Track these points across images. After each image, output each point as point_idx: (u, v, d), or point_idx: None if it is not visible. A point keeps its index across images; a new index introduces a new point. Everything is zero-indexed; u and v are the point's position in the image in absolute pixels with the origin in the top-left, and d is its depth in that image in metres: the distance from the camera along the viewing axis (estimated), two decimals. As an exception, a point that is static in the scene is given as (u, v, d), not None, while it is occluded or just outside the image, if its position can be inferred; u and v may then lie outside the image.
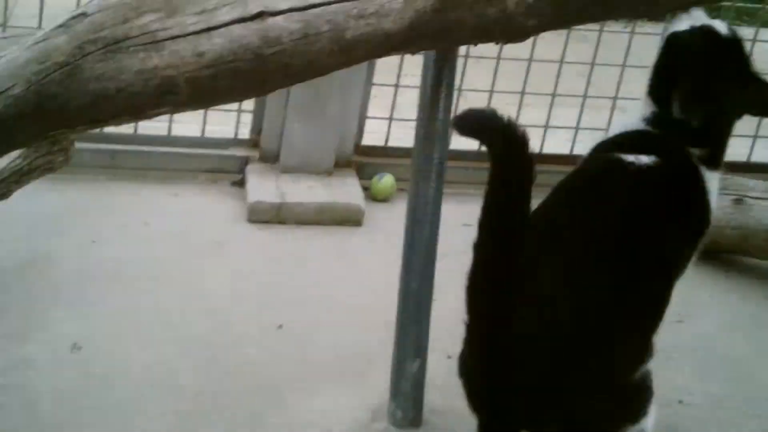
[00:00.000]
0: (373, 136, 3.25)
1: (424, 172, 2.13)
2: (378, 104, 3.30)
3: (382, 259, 2.77)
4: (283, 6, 1.74)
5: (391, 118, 3.19)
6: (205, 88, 1.75)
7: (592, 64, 3.19)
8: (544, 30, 1.88)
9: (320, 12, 1.75)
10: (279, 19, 1.73)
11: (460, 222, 3.08)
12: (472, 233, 3.00)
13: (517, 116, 3.21)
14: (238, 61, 1.73)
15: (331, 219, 2.96)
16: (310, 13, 1.75)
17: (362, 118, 3.17)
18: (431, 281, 2.23)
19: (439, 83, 2.09)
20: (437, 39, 1.84)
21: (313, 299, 2.56)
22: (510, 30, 1.84)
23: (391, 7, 1.78)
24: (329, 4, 1.76)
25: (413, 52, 1.90)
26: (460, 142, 3.23)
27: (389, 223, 2.98)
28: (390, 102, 3.19)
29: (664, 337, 2.45)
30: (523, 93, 3.20)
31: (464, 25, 1.83)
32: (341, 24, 1.76)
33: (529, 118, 3.33)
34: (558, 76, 3.22)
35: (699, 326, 2.58)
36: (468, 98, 3.33)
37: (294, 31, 1.74)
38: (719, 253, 2.87)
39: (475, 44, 1.93)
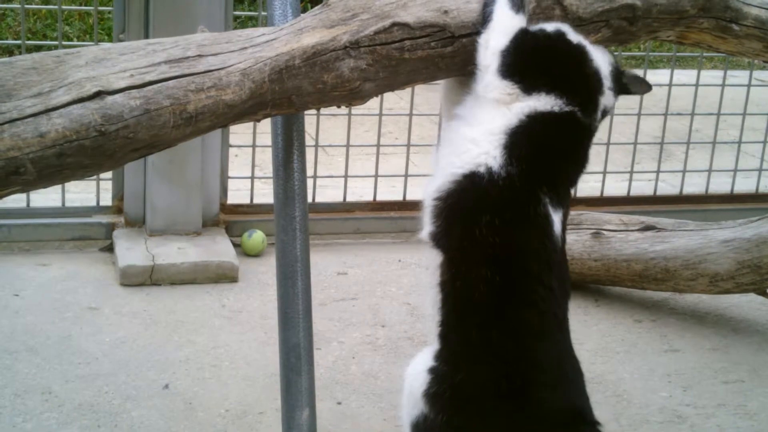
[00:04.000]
0: (240, 194, 3.29)
1: (288, 231, 2.17)
2: (243, 161, 3.34)
3: (260, 312, 2.81)
4: (121, 84, 1.77)
5: (252, 177, 3.23)
6: (53, 166, 1.77)
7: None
8: (382, 92, 1.96)
9: (159, 88, 1.79)
10: (117, 97, 1.77)
11: (334, 271, 3.17)
12: (347, 281, 3.09)
13: (377, 166, 3.30)
14: (83, 139, 1.75)
15: (206, 277, 2.98)
16: (148, 89, 1.79)
17: (224, 178, 3.21)
18: (310, 333, 2.24)
19: (290, 144, 2.14)
20: (278, 107, 1.90)
21: (196, 357, 2.57)
22: (348, 94, 1.91)
23: (229, 80, 1.83)
24: (167, 80, 1.80)
25: (259, 120, 1.95)
26: (327, 195, 3.35)
27: (264, 277, 3.02)
28: (256, 160, 3.24)
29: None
30: (378, 145, 3.28)
31: (303, 92, 1.89)
32: (181, 98, 1.80)
33: (390, 167, 3.44)
34: (410, 126, 3.32)
35: (577, 353, 2.65)
36: (327, 151, 3.42)
37: (135, 108, 1.78)
38: (586, 283, 2.98)
39: (317, 109, 1.98)
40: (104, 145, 1.76)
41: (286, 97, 1.89)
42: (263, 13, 3.20)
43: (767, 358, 2.68)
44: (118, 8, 3.02)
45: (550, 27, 1.88)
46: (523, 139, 1.79)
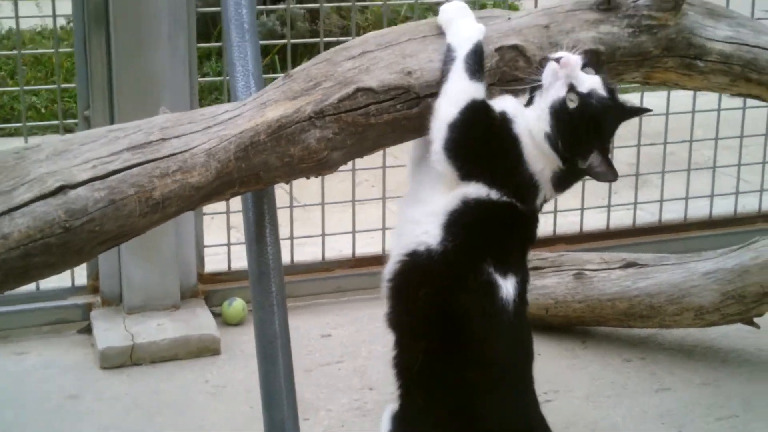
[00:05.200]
0: (218, 258, 3.23)
1: (265, 307, 2.12)
2: (218, 225, 3.29)
3: (245, 385, 2.75)
4: (84, 176, 1.74)
5: (228, 243, 3.19)
6: (18, 268, 1.73)
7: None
8: (351, 159, 1.93)
9: (123, 177, 1.76)
10: (81, 190, 1.73)
11: (318, 333, 3.12)
12: (331, 344, 3.04)
13: (353, 221, 3.26)
14: (47, 237, 1.71)
15: (187, 352, 2.92)
16: (112, 179, 1.75)
17: (200, 247, 3.16)
18: (295, 410, 2.19)
19: (261, 218, 2.10)
20: (246, 184, 1.87)
21: (182, 438, 2.51)
22: (316, 165, 1.88)
23: (194, 162, 1.79)
24: (131, 168, 1.76)
25: (227, 198, 1.91)
26: (305, 253, 3.30)
27: (247, 347, 2.96)
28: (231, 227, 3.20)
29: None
30: (354, 201, 3.25)
31: (270, 168, 1.86)
32: (147, 185, 1.77)
33: (367, 217, 3.39)
34: (384, 177, 3.29)
35: (567, 401, 2.62)
36: (306, 209, 3.38)
37: (99, 200, 1.74)
38: (572, 325, 2.94)
39: (287, 182, 1.95)
40: (70, 241, 1.72)
41: (254, 174, 1.86)
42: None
43: (759, 389, 2.65)
44: (81, 84, 2.98)
45: (499, 106, 1.86)
46: (463, 220, 1.82)
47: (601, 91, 1.82)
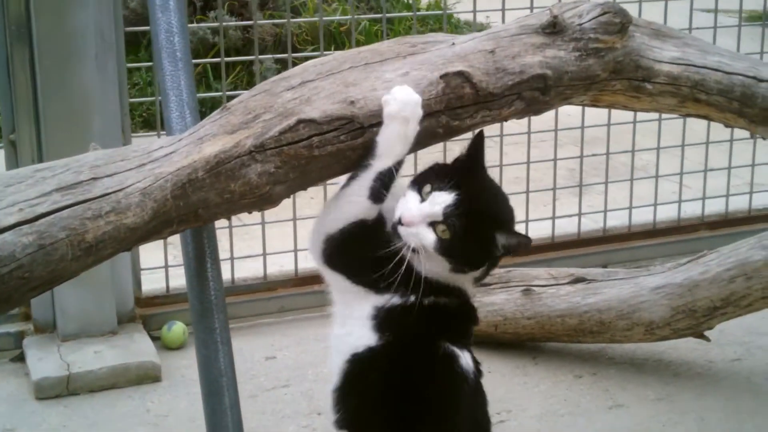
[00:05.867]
0: (154, 280, 3.14)
1: (209, 345, 2.04)
2: (155, 245, 3.19)
3: (188, 413, 2.66)
4: (10, 221, 1.64)
5: (166, 266, 3.09)
6: (-59, 317, 1.63)
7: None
8: (294, 192, 1.85)
9: (52, 220, 1.66)
10: (7, 235, 1.63)
11: (262, 356, 3.04)
12: (276, 366, 2.96)
13: (295, 239, 3.19)
14: (-28, 287, 1.61)
15: (126, 380, 2.82)
16: (41, 223, 1.66)
17: (136, 269, 3.06)
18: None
19: (202, 253, 2.02)
20: (185, 222, 1.78)
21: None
22: (258, 200, 1.80)
23: (129, 202, 1.71)
24: (60, 210, 1.67)
25: (165, 237, 1.83)
26: (246, 269, 3.21)
27: (188, 372, 2.87)
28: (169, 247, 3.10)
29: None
30: (294, 219, 3.18)
31: (210, 204, 1.78)
32: (78, 228, 1.68)
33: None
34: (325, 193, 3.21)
35: (521, 420, 2.58)
36: (242, 219, 3.29)
37: (28, 245, 1.64)
38: (522, 342, 2.91)
39: (228, 218, 1.87)
40: (-3, 290, 1.62)
41: (192, 212, 1.78)
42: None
43: (712, 403, 2.64)
44: (5, 107, 2.86)
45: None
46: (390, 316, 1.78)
47: (454, 201, 1.73)
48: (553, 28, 1.95)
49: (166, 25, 2.02)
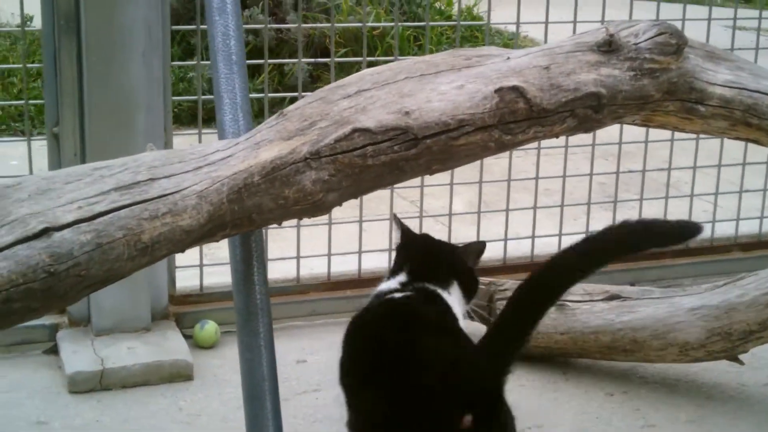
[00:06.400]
0: (189, 279, 3.15)
1: (253, 348, 2.05)
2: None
3: (221, 414, 2.67)
4: (69, 219, 1.66)
5: (201, 265, 3.10)
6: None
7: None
8: (345, 200, 1.87)
9: (110, 219, 1.68)
10: (66, 233, 1.65)
11: (293, 359, 3.05)
12: (308, 371, 2.97)
13: (329, 243, 3.20)
14: (30, 282, 1.62)
15: (159, 378, 2.83)
16: (99, 221, 1.67)
17: (172, 267, 3.07)
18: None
19: (249, 256, 2.03)
20: (238, 227, 1.80)
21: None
22: (311, 207, 1.82)
23: (185, 204, 1.72)
24: (118, 209, 1.69)
25: (217, 240, 1.84)
26: (277, 270, 3.23)
27: (220, 371, 2.89)
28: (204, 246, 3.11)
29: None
30: (330, 223, 3.18)
31: (263, 210, 1.79)
32: (135, 228, 1.69)
33: (342, 235, 3.33)
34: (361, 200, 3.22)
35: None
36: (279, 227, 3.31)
37: (86, 243, 1.66)
38: (554, 357, 2.90)
39: (279, 224, 1.88)
40: (54, 287, 1.64)
41: (247, 216, 1.79)
42: (203, 97, 3.08)
43: (743, 428, 2.63)
44: (50, 100, 2.88)
45: None
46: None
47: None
48: (609, 47, 1.96)
49: (222, 27, 2.03)
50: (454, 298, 2.16)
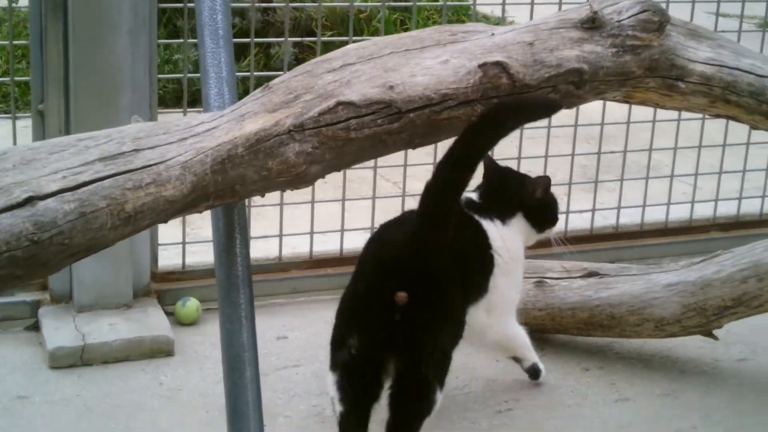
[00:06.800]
0: (171, 256, 3.15)
1: (233, 319, 2.07)
2: (174, 223, 3.20)
3: (200, 389, 2.68)
4: (53, 188, 1.67)
5: (184, 242, 3.11)
6: (-19, 280, 1.65)
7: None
8: (328, 173, 1.88)
9: (94, 189, 1.69)
10: (50, 201, 1.66)
11: (274, 335, 3.06)
12: (288, 347, 2.99)
13: (312, 222, 3.21)
14: (14, 250, 1.64)
15: (140, 354, 2.83)
16: (83, 191, 1.68)
17: (154, 244, 3.08)
18: (261, 423, 2.15)
19: (232, 229, 2.04)
20: (221, 197, 1.81)
21: (134, 444, 2.44)
22: (294, 179, 1.83)
23: (169, 175, 1.73)
24: (102, 179, 1.69)
25: (200, 212, 1.85)
26: (258, 249, 3.24)
27: (201, 348, 2.90)
28: (187, 225, 3.12)
29: (497, 428, 2.49)
30: (312, 201, 3.19)
31: (247, 181, 1.80)
32: (119, 198, 1.70)
33: (324, 215, 3.35)
34: (344, 180, 3.23)
35: (527, 410, 2.61)
36: (257, 201, 3.31)
37: (69, 212, 1.67)
38: (532, 333, 2.92)
39: (262, 195, 1.89)
40: (37, 254, 1.65)
41: (230, 187, 1.81)
42: (188, 76, 3.08)
43: (716, 401, 2.67)
44: (36, 77, 2.86)
45: None
46: None
47: None
48: (592, 24, 1.98)
49: (209, 2, 2.04)
50: (507, 227, 2.45)
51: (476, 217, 2.43)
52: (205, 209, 1.83)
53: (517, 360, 2.67)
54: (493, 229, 2.44)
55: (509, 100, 1.95)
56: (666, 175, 3.62)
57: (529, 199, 2.51)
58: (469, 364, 2.78)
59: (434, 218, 2.00)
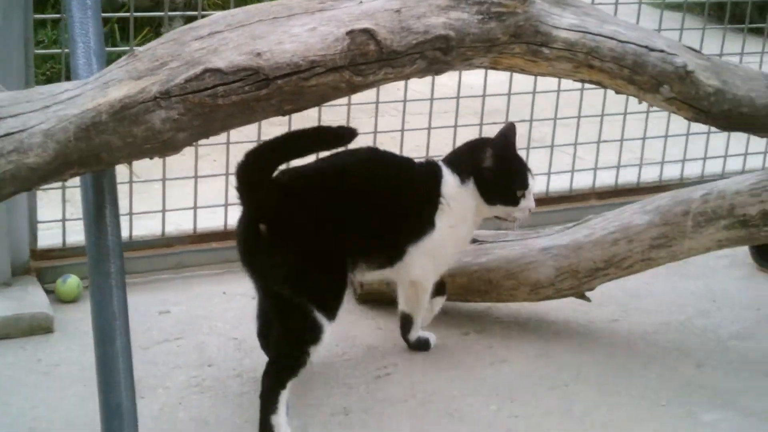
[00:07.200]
0: (52, 235, 3.10)
1: (103, 289, 2.05)
2: (53, 197, 3.16)
3: (80, 363, 2.65)
4: None
5: (63, 219, 3.06)
6: None
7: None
8: (196, 140, 1.88)
9: (-46, 157, 1.65)
10: None
11: (156, 310, 3.04)
12: (170, 320, 2.98)
13: (195, 197, 3.20)
14: None
15: (19, 331, 2.79)
16: (-58, 160, 1.65)
17: (33, 222, 3.02)
18: (133, 393, 2.15)
19: (101, 198, 2.02)
20: (86, 165, 1.79)
21: (11, 421, 2.38)
22: (161, 146, 1.82)
23: (31, 142, 1.71)
24: (-38, 148, 1.66)
25: (66, 179, 1.83)
26: (145, 227, 3.22)
27: (82, 324, 2.86)
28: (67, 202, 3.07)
29: (374, 392, 2.53)
30: (196, 177, 3.17)
31: (112, 148, 1.79)
32: (-21, 166, 1.67)
33: (210, 191, 3.33)
34: (227, 153, 3.22)
35: (406, 374, 2.64)
36: (141, 176, 3.28)
37: (-73, 181, 1.63)
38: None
39: (129, 163, 1.88)
40: None
41: (94, 155, 1.79)
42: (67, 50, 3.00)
43: (588, 359, 2.75)
44: None
45: None
46: None
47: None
48: (458, -9, 2.02)
49: (74, -29, 2.01)
50: (463, 186, 2.53)
51: (443, 166, 2.54)
52: (71, 177, 1.81)
53: (406, 326, 2.73)
54: (450, 178, 2.53)
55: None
56: (546, 145, 3.71)
57: (478, 167, 2.53)
58: (350, 332, 2.81)
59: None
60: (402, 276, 2.60)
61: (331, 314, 2.30)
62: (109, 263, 2.04)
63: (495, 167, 2.53)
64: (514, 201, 2.57)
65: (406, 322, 2.72)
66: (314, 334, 2.28)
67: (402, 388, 2.59)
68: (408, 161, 2.57)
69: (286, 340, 2.31)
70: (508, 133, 2.56)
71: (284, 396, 2.27)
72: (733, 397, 2.59)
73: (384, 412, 2.47)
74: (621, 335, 2.91)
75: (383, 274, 2.59)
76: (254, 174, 2.18)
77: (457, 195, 2.54)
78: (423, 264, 2.57)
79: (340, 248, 2.34)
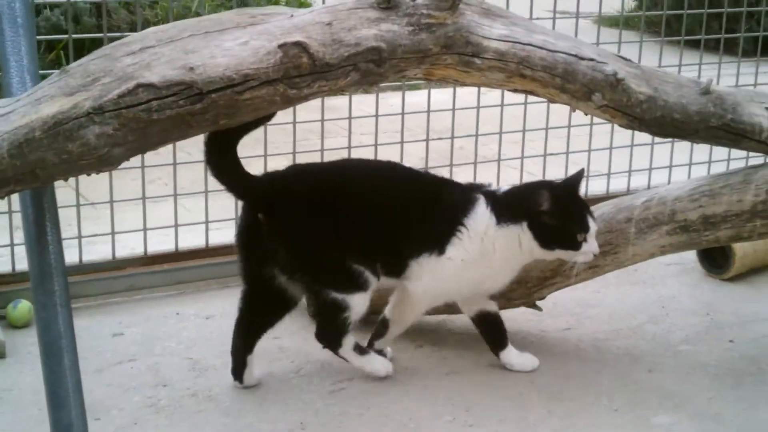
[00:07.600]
0: (0, 260, 3.11)
1: (48, 307, 2.06)
2: (2, 226, 3.16)
3: (33, 387, 2.64)
4: None
5: (12, 244, 3.06)
6: None
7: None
8: (133, 155, 1.90)
9: None
10: None
11: (109, 333, 3.04)
12: (124, 342, 2.98)
13: (144, 219, 3.21)
14: None
15: (-31, 357, 2.79)
16: None
17: (-18, 247, 3.03)
18: (83, 410, 2.15)
19: (41, 216, 2.03)
20: (22, 182, 1.81)
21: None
22: (97, 162, 1.84)
23: (-36, 160, 1.72)
24: None
25: (3, 197, 1.84)
26: (97, 252, 3.22)
27: (34, 348, 2.81)
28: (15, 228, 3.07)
29: (330, 407, 2.53)
30: (144, 198, 3.18)
31: (47, 165, 1.81)
32: None
33: (161, 215, 3.35)
34: (174, 174, 3.23)
35: (361, 389, 2.65)
36: (96, 208, 3.29)
37: None
38: (370, 313, 2.93)
39: (66, 179, 1.90)
40: None
41: (30, 171, 1.81)
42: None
43: (542, 368, 2.77)
44: None
45: None
46: None
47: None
48: (388, 4, 2.06)
49: (6, -9, 2.03)
50: (500, 227, 2.52)
51: (483, 201, 2.53)
52: (8, 194, 1.82)
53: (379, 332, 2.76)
54: (483, 215, 2.52)
55: None
56: (493, 159, 3.75)
57: (533, 211, 2.49)
58: (304, 348, 2.82)
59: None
60: (401, 284, 2.61)
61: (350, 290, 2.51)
62: (52, 282, 2.04)
63: (552, 210, 2.48)
64: (574, 245, 2.52)
65: (382, 329, 2.74)
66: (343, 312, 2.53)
67: (358, 402, 2.60)
68: (434, 179, 2.61)
69: (323, 319, 2.60)
70: (572, 177, 2.56)
71: (349, 340, 2.60)
72: (684, 401, 2.62)
73: (341, 425, 2.48)
74: (573, 343, 2.94)
75: (391, 283, 2.63)
76: (220, 159, 2.29)
77: (485, 233, 2.52)
78: (424, 283, 2.57)
79: (343, 244, 2.47)
